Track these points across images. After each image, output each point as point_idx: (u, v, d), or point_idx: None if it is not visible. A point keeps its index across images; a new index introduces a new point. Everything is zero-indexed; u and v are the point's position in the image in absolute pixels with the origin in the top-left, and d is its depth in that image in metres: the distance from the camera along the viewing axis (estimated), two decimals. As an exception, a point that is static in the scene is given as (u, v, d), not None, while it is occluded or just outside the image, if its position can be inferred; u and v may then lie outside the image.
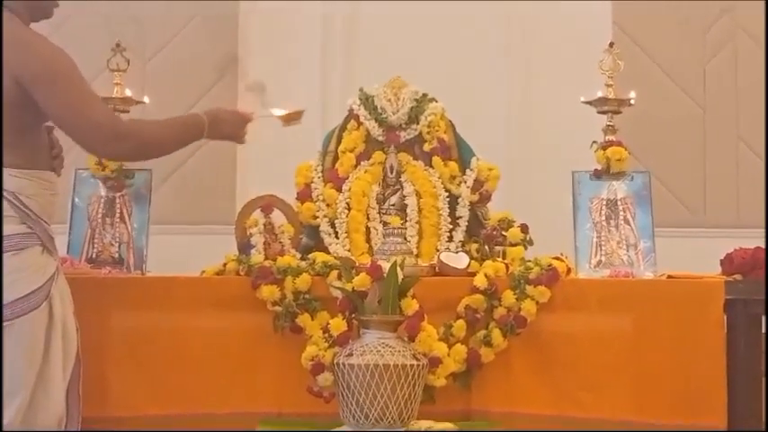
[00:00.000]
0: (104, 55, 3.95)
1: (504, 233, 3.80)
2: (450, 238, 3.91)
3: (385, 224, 3.90)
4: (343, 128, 4.02)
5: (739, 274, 3.61)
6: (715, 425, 3.45)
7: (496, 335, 3.49)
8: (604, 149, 3.88)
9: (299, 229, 3.85)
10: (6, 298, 2.88)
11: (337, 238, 3.90)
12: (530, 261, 3.65)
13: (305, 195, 3.96)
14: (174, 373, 3.49)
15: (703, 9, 5.46)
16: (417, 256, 3.82)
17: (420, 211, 3.94)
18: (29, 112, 2.97)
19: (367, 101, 4.00)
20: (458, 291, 3.54)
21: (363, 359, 3.27)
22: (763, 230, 4.65)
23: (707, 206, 5.43)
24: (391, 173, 4.01)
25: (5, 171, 2.94)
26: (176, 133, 3.21)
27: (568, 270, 3.67)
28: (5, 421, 2.88)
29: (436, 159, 3.97)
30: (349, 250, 3.86)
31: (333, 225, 3.92)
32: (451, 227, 3.93)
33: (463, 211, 3.94)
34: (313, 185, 3.97)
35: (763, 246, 3.65)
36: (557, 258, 3.65)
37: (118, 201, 3.85)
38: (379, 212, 3.96)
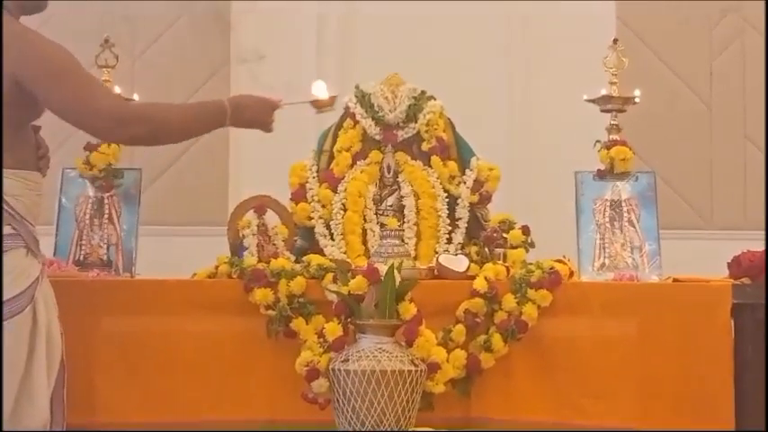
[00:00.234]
0: (92, 51, 3.94)
1: (504, 235, 3.80)
2: (450, 240, 3.91)
3: (382, 226, 3.90)
4: (338, 126, 4.02)
5: (747, 277, 3.61)
6: (722, 433, 3.46)
7: (497, 340, 3.49)
8: (608, 149, 3.88)
9: (293, 230, 3.84)
10: None
11: (333, 239, 3.90)
12: (531, 264, 3.65)
13: (299, 196, 3.96)
14: (164, 379, 3.48)
15: (710, 4, 5.47)
16: (415, 258, 3.81)
17: (418, 212, 3.94)
18: (19, 111, 2.98)
19: (363, 98, 4.00)
20: (457, 294, 3.54)
21: (360, 365, 3.27)
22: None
23: (713, 207, 5.44)
24: (388, 173, 4.01)
25: None
26: (194, 118, 3.19)
27: (571, 273, 3.67)
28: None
29: (435, 159, 3.97)
30: (345, 252, 3.86)
31: (328, 226, 3.92)
32: (450, 228, 3.93)
33: (463, 213, 3.94)
34: (308, 186, 3.97)
35: (771, 248, 3.65)
36: (559, 261, 3.65)
37: (106, 201, 3.85)
38: (375, 213, 3.96)
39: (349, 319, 3.44)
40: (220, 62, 5.51)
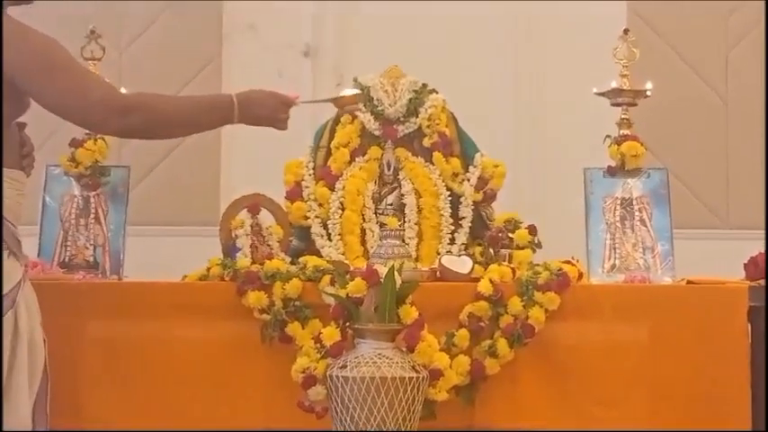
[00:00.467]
0: (78, 42, 3.94)
1: (510, 235, 3.80)
2: (452, 241, 3.90)
3: (382, 225, 3.90)
4: (336, 121, 4.02)
5: (764, 278, 3.61)
6: (739, 441, 3.46)
7: (502, 345, 3.49)
8: (619, 145, 3.88)
9: (288, 230, 3.84)
10: None
11: (330, 240, 3.90)
12: (538, 265, 3.64)
13: (295, 194, 3.95)
14: (153, 387, 3.48)
15: (725, -8, 5.47)
16: (417, 259, 3.81)
17: (419, 211, 3.94)
18: (7, 108, 2.98)
19: (362, 92, 4.00)
20: (460, 297, 3.53)
21: (358, 371, 3.27)
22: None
23: (729, 205, 5.44)
24: (388, 170, 4.00)
25: None
26: (197, 111, 3.17)
27: (580, 275, 3.67)
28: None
29: (437, 155, 3.97)
30: (343, 253, 3.85)
31: (325, 226, 3.92)
32: (453, 228, 3.92)
33: (466, 212, 3.93)
34: (304, 183, 3.96)
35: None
36: (567, 262, 3.65)
37: (93, 200, 3.85)
38: (375, 213, 3.96)
39: (347, 324, 3.44)
40: (211, 54, 5.51)
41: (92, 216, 3.83)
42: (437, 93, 4.02)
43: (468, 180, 3.96)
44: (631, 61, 3.93)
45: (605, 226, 3.82)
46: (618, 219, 3.83)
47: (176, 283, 3.66)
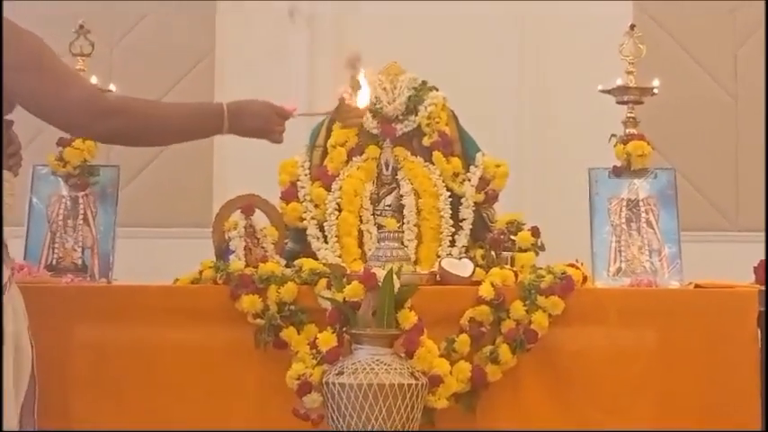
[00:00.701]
0: (66, 38, 3.94)
1: (512, 237, 3.81)
2: (453, 243, 3.91)
3: (380, 227, 3.90)
4: (333, 119, 4.02)
5: (765, 282, 3.61)
6: (749, 450, 3.46)
7: (504, 351, 3.49)
8: (624, 144, 3.89)
9: (283, 232, 3.85)
10: None
11: (326, 242, 3.90)
12: (541, 268, 3.65)
13: (290, 195, 3.96)
14: (144, 393, 3.49)
15: (734, -14, 5.48)
16: (416, 262, 3.82)
17: (419, 212, 3.94)
18: None
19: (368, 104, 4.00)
20: (461, 302, 3.54)
21: (355, 378, 3.27)
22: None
23: (739, 207, 5.44)
24: (387, 170, 4.01)
25: None
26: (184, 119, 3.12)
27: (584, 278, 3.67)
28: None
29: (437, 155, 3.97)
30: (339, 256, 3.86)
31: (321, 228, 3.92)
32: (454, 230, 3.93)
33: (467, 213, 3.94)
34: (299, 184, 3.97)
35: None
36: (571, 265, 3.65)
37: (81, 201, 3.85)
38: (373, 214, 3.96)
39: (344, 329, 3.44)
40: (205, 50, 5.51)
41: (80, 217, 3.84)
42: (437, 90, 4.02)
43: (469, 180, 3.96)
44: (638, 58, 3.93)
45: (611, 228, 3.83)
46: (624, 220, 3.84)
47: (167, 286, 3.66)
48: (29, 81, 2.95)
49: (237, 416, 3.49)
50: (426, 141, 4.00)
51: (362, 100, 3.34)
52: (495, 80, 5.39)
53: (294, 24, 5.37)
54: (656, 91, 3.93)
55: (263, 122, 3.16)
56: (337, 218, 3.92)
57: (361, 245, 3.91)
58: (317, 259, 3.78)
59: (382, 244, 3.76)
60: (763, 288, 3.59)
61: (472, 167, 3.98)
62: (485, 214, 3.96)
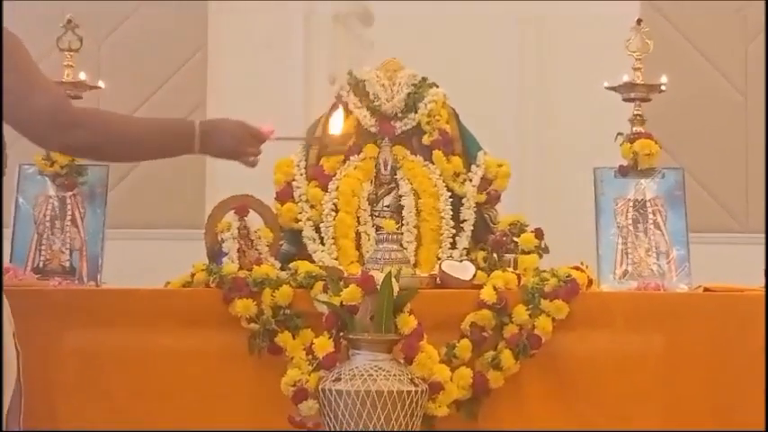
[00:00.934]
0: (54, 32, 3.95)
1: (515, 239, 3.81)
2: (453, 245, 3.92)
3: (378, 228, 3.90)
4: (329, 117, 4.02)
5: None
6: (758, 459, 3.47)
7: (507, 357, 3.49)
8: (631, 143, 3.89)
9: (278, 234, 3.85)
10: None
11: (323, 244, 3.90)
12: (545, 271, 3.65)
13: (285, 195, 3.96)
14: (134, 401, 3.49)
15: (744, -21, 5.49)
16: (415, 265, 3.82)
17: (418, 213, 3.95)
18: None
19: (357, 86, 4.01)
20: (462, 306, 3.54)
21: (353, 384, 3.27)
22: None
23: (749, 208, 5.45)
24: (385, 169, 4.01)
25: None
26: (153, 135, 3.08)
27: (590, 282, 3.68)
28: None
29: (437, 153, 3.97)
30: (336, 259, 3.86)
31: (318, 229, 3.93)
32: (454, 232, 3.93)
33: (468, 214, 3.94)
34: (294, 184, 3.97)
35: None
36: (576, 268, 3.66)
37: (69, 201, 3.85)
38: (371, 215, 3.97)
39: (341, 334, 3.44)
40: (196, 46, 5.51)
41: (68, 218, 3.84)
42: (437, 87, 4.02)
43: (471, 180, 3.97)
44: (645, 53, 3.93)
45: (617, 229, 3.83)
46: (630, 222, 3.84)
47: (158, 290, 3.66)
48: (4, 83, 2.91)
49: (231, 424, 3.49)
50: (426, 140, 4.00)
51: (335, 126, 3.33)
52: (496, 77, 5.40)
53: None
54: (663, 88, 3.93)
55: (236, 143, 3.10)
56: (334, 219, 3.92)
57: (358, 247, 3.91)
58: (313, 262, 3.78)
59: (380, 246, 3.75)
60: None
61: (473, 167, 3.98)
62: (486, 215, 3.97)
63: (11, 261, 3.75)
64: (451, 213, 3.94)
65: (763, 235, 5.27)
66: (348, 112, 3.99)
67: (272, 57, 5.36)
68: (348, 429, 3.26)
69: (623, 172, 3.89)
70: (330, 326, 3.46)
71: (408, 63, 4.05)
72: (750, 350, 3.50)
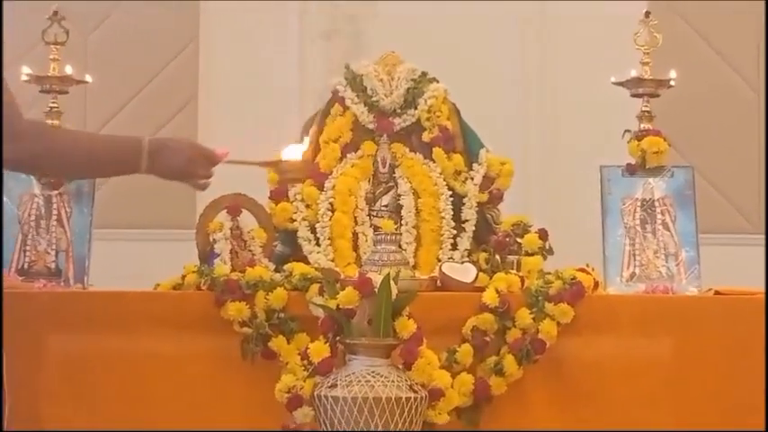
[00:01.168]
0: (39, 25, 3.95)
1: (518, 240, 3.81)
2: (454, 246, 3.92)
3: (376, 229, 3.91)
4: (325, 113, 4.03)
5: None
6: (771, 467, 3.48)
7: (509, 362, 3.50)
8: (639, 140, 3.90)
9: (272, 234, 3.85)
10: None
11: (318, 245, 3.91)
12: (549, 274, 3.66)
13: (280, 194, 3.96)
14: (122, 407, 3.49)
15: (757, -29, 5.50)
16: (414, 267, 3.82)
17: (418, 213, 3.95)
18: None
19: (354, 81, 4.01)
20: (463, 309, 3.54)
21: (350, 391, 3.27)
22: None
23: (761, 208, 5.45)
24: (384, 167, 4.02)
25: None
26: (99, 151, 3.03)
27: (596, 284, 3.68)
28: None
29: (437, 151, 3.98)
30: (332, 260, 3.86)
31: (313, 230, 3.93)
32: (455, 232, 3.94)
33: (470, 214, 3.94)
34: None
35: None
36: (582, 270, 3.66)
37: (55, 200, 3.85)
38: (368, 215, 3.97)
39: (337, 338, 3.44)
40: (187, 39, 5.51)
41: (54, 218, 3.84)
42: (437, 82, 4.03)
43: (472, 179, 3.97)
44: (653, 47, 3.94)
45: (624, 230, 3.84)
46: (638, 222, 3.85)
47: (148, 292, 3.66)
48: None
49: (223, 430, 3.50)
50: (426, 137, 4.00)
51: (292, 152, 3.32)
52: (499, 73, 5.40)
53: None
54: (672, 83, 3.94)
55: (186, 163, 3.08)
56: (330, 219, 3.92)
57: (355, 248, 3.92)
58: (308, 263, 3.78)
59: (379, 247, 3.75)
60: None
61: (475, 165, 3.99)
62: (489, 215, 3.97)
63: (-6, 262, 3.76)
64: (452, 213, 3.94)
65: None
66: (345, 108, 3.99)
67: (266, 49, 5.35)
68: (345, 437, 3.26)
69: (631, 170, 3.90)
70: (326, 330, 3.46)
71: (409, 60, 4.05)
72: (762, 354, 3.50)
